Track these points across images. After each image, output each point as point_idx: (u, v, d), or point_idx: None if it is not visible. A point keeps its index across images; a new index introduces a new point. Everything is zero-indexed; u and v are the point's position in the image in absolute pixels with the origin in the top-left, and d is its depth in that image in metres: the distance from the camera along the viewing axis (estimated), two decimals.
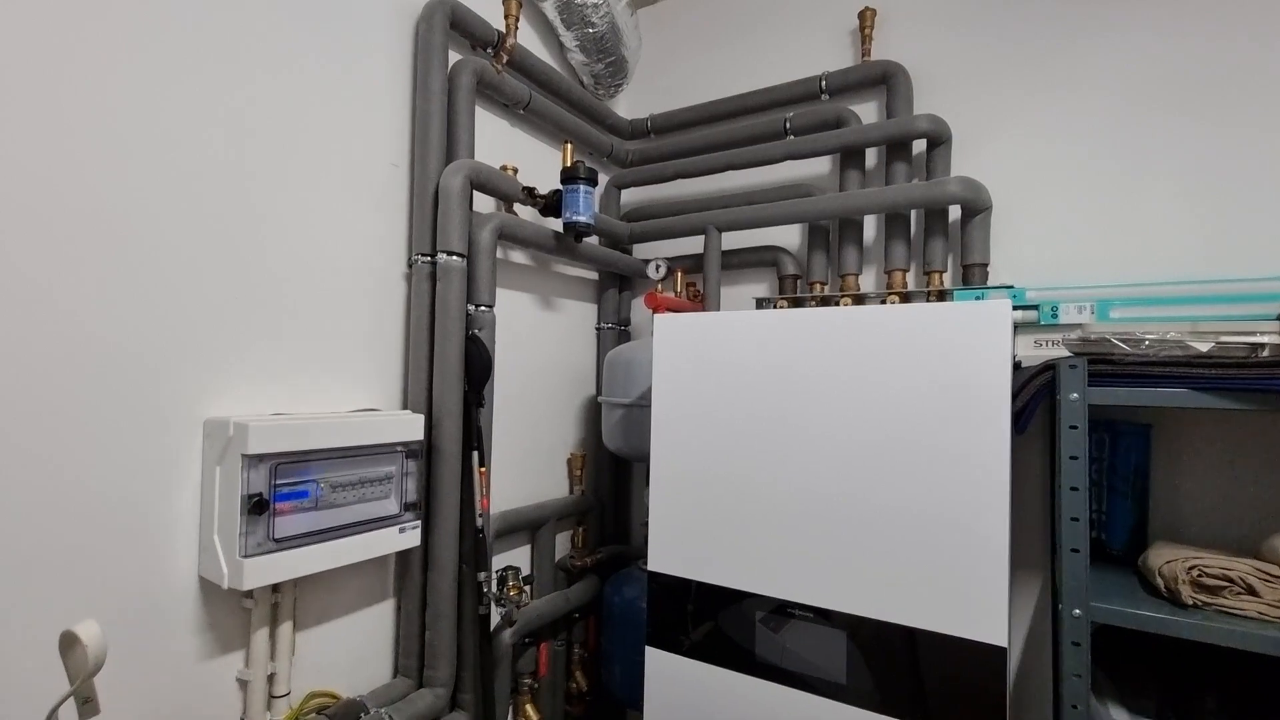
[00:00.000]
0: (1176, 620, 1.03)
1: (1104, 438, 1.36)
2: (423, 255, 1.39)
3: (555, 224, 1.66)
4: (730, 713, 1.24)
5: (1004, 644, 1.01)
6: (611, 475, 2.00)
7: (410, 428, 1.28)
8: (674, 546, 1.34)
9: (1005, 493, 1.03)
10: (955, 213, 1.61)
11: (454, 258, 1.37)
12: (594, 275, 2.07)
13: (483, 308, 1.43)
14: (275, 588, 1.14)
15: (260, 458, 1.03)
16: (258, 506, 1.01)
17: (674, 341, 1.37)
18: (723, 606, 1.28)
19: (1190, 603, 1.07)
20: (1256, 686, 1.14)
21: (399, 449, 1.26)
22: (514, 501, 1.71)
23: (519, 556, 1.75)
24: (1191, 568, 1.09)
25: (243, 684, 1.12)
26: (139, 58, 1.01)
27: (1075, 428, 1.11)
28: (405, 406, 1.41)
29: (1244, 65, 1.35)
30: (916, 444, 1.11)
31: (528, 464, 1.78)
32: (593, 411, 2.02)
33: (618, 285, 2.07)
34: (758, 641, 1.23)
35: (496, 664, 1.49)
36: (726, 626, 1.27)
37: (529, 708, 1.66)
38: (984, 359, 1.06)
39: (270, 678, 1.14)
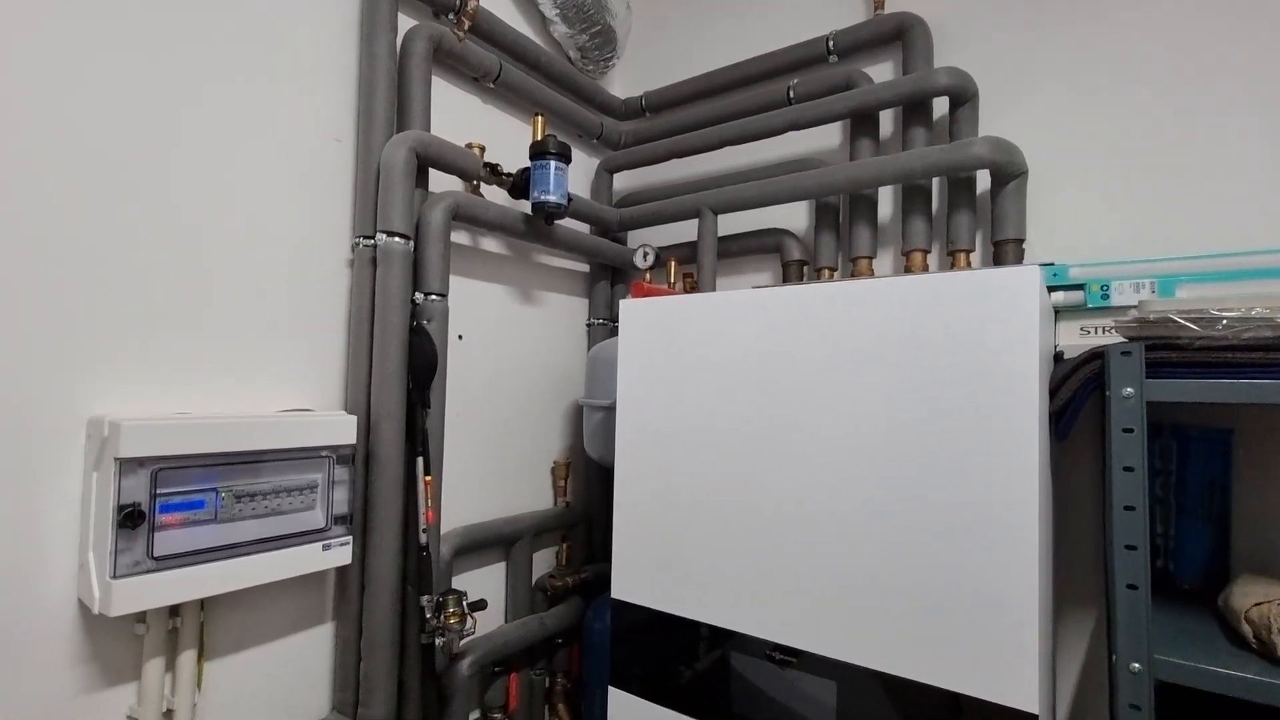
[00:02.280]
0: (1270, 683, 0.79)
1: (1170, 445, 1.11)
2: (365, 238, 1.25)
3: (528, 207, 1.50)
4: None
5: (1034, 710, 0.78)
6: (601, 486, 1.81)
7: (340, 430, 1.13)
8: (641, 572, 1.15)
9: (1033, 512, 0.81)
10: (984, 182, 1.38)
11: (395, 239, 1.22)
12: (584, 267, 1.90)
13: (433, 296, 1.28)
14: (174, 611, 1.00)
15: (138, 462, 0.89)
16: (130, 519, 0.87)
17: (642, 330, 1.18)
18: (694, 645, 1.08)
19: None
20: None
21: (325, 454, 1.11)
22: (486, 514, 1.55)
23: (493, 574, 1.59)
24: None
25: None
26: None
27: (1130, 431, 0.88)
28: (345, 408, 1.26)
29: None
30: (925, 449, 0.89)
31: (502, 473, 1.61)
32: (580, 415, 1.85)
33: (610, 278, 1.90)
34: (733, 689, 1.02)
35: (451, 698, 1.32)
36: (699, 669, 1.07)
37: None
38: (1005, 339, 0.84)
39: (168, 714, 1.00)
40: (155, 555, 0.90)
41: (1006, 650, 0.80)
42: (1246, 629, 0.87)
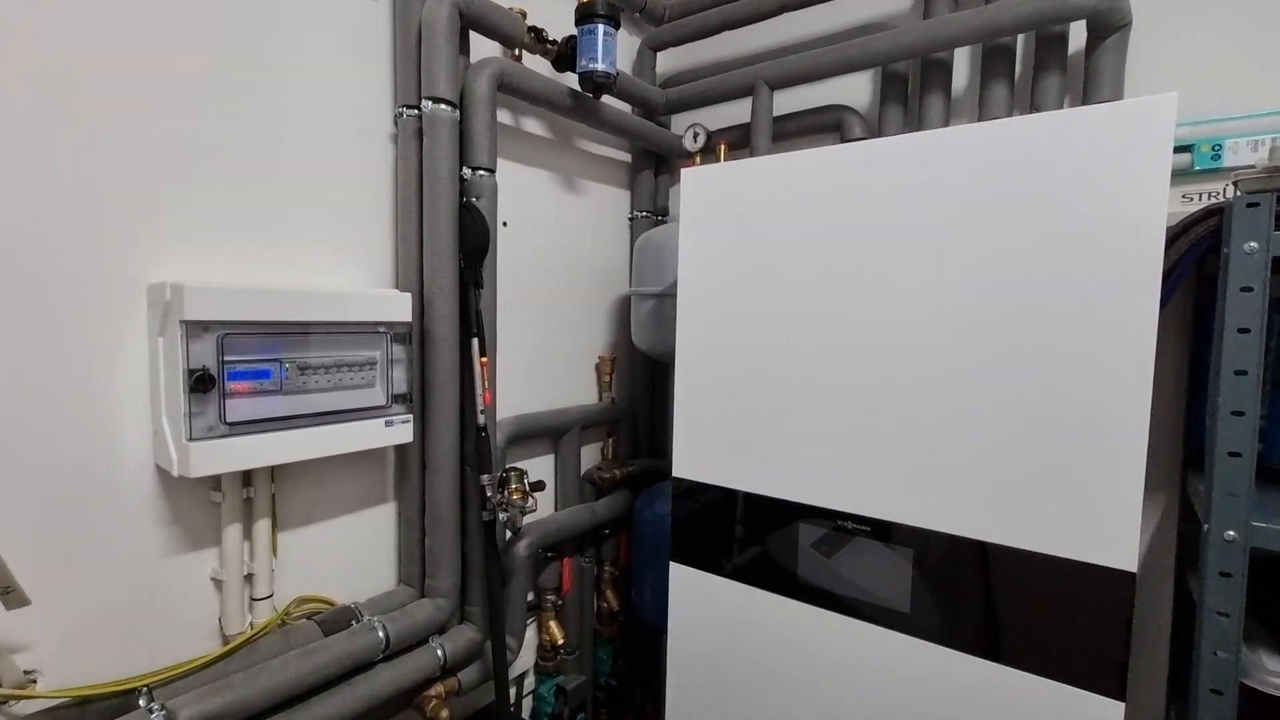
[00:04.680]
0: None
1: (1275, 319, 1.03)
2: (408, 108, 1.17)
3: (573, 82, 1.40)
4: (767, 640, 1.06)
5: (1133, 568, 0.76)
6: (646, 382, 1.80)
7: (395, 307, 1.10)
8: (702, 447, 1.14)
9: (1148, 372, 0.76)
10: (1079, 40, 1.24)
11: (442, 106, 1.14)
12: (626, 156, 1.80)
13: (481, 172, 1.22)
14: (247, 481, 1.01)
15: (203, 326, 0.87)
16: (201, 383, 0.86)
17: (704, 200, 1.12)
18: (759, 519, 1.07)
19: None
20: None
21: (382, 330, 1.09)
22: (533, 408, 1.54)
23: (541, 466, 1.60)
24: None
25: (218, 583, 1.01)
26: None
27: (1250, 290, 0.81)
28: (397, 287, 1.23)
29: None
30: (1024, 309, 0.84)
31: (547, 366, 1.59)
32: (623, 310, 1.81)
33: (654, 167, 1.80)
34: (801, 559, 1.02)
35: (510, 576, 1.36)
36: (764, 542, 1.07)
37: (552, 624, 1.54)
38: (1129, 184, 0.76)
39: (249, 578, 1.03)
40: (228, 421, 0.89)
41: (1109, 510, 0.77)
42: None
